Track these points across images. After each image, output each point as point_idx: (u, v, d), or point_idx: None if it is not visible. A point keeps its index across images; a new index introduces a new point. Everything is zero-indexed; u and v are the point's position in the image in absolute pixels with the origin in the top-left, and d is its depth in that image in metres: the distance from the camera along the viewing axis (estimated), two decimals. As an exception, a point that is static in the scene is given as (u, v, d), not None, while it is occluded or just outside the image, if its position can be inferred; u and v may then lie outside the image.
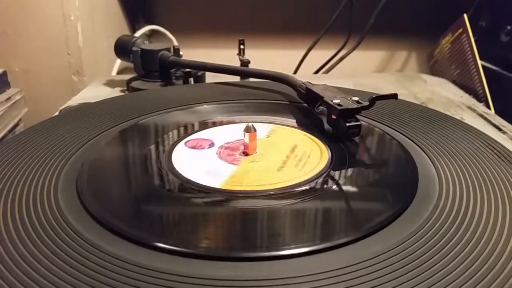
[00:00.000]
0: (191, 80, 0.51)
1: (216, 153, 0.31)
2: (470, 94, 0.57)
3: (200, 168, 0.29)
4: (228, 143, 0.33)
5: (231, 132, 0.35)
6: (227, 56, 0.58)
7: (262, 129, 0.34)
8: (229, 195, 0.26)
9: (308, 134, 0.34)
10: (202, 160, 0.30)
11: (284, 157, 0.30)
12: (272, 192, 0.26)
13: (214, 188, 0.26)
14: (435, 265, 0.19)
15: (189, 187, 0.27)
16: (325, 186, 0.27)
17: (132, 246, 0.21)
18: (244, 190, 0.26)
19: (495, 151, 0.30)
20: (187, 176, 0.28)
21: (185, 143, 0.33)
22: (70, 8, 0.59)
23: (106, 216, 0.23)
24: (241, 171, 0.29)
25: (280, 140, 0.33)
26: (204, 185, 0.27)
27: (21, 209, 0.24)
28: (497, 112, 0.53)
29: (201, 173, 0.28)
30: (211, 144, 0.32)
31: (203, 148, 0.32)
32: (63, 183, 0.27)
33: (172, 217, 0.25)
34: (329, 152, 0.31)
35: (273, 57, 0.74)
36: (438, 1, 0.80)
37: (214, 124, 0.36)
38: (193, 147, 0.32)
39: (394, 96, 0.33)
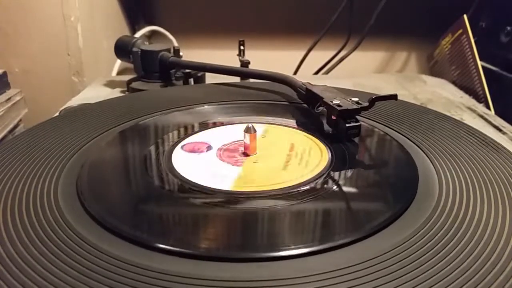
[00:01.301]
0: (191, 81, 0.51)
1: (217, 156, 0.31)
2: (470, 94, 0.58)
3: (204, 171, 0.29)
4: (225, 144, 0.33)
5: (227, 133, 0.35)
6: (227, 57, 0.58)
7: (257, 129, 0.34)
8: (233, 197, 0.26)
9: (303, 132, 0.34)
10: (204, 163, 0.30)
11: (285, 156, 0.30)
12: (272, 193, 0.26)
13: (225, 190, 0.26)
14: (436, 265, 0.19)
15: (188, 188, 0.27)
16: (325, 186, 0.27)
17: (133, 247, 0.21)
18: (253, 191, 0.26)
19: (489, 144, 0.30)
20: (193, 180, 0.27)
21: (182, 147, 0.32)
22: (70, 8, 0.59)
23: (106, 217, 0.23)
24: (248, 172, 0.29)
25: (277, 140, 0.33)
26: (215, 188, 0.26)
27: (21, 209, 0.24)
28: (497, 112, 0.53)
29: (207, 176, 0.28)
30: (209, 147, 0.32)
31: (201, 152, 0.32)
32: (63, 184, 0.27)
33: (172, 218, 0.25)
34: (329, 152, 0.31)
35: (273, 58, 0.74)
36: (438, 1, 0.80)
37: (210, 126, 0.36)
38: (191, 151, 0.32)
39: (394, 96, 0.33)
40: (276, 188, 0.26)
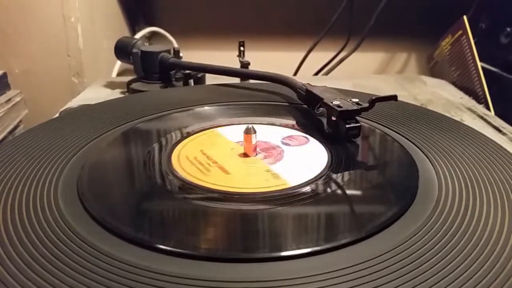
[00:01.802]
0: (191, 82, 0.51)
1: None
2: (470, 95, 0.58)
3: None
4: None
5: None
6: (227, 57, 0.58)
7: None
8: (233, 197, 0.26)
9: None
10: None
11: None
12: (273, 194, 0.26)
13: (226, 191, 0.26)
14: (436, 264, 0.19)
15: (188, 188, 0.27)
16: (325, 187, 0.27)
17: (133, 248, 0.21)
18: (254, 191, 0.26)
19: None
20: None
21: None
22: (70, 9, 0.59)
23: (106, 217, 0.23)
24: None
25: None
26: (216, 189, 0.27)
27: (21, 210, 0.24)
28: (497, 113, 0.53)
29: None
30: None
31: None
32: (64, 185, 0.27)
33: (173, 218, 0.25)
34: (329, 153, 0.31)
35: (273, 59, 0.74)
36: (438, 2, 0.81)
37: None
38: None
39: (394, 97, 0.33)
40: (276, 189, 0.26)
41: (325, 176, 0.28)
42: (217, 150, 0.32)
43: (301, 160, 0.31)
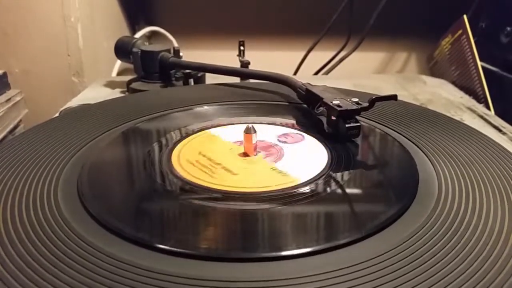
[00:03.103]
0: (191, 81, 0.51)
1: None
2: (470, 95, 0.58)
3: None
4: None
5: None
6: (227, 57, 0.58)
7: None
8: (233, 197, 0.26)
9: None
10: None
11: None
12: (273, 193, 0.26)
13: (225, 190, 0.26)
14: (436, 264, 0.19)
15: (188, 188, 0.27)
16: (325, 187, 0.27)
17: (133, 247, 0.21)
18: (253, 192, 0.26)
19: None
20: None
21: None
22: (70, 9, 0.59)
23: (106, 217, 0.23)
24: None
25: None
26: (216, 188, 0.27)
27: (21, 210, 0.24)
28: (497, 113, 0.53)
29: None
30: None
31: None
32: (64, 185, 0.27)
33: (172, 218, 0.25)
34: (329, 153, 0.31)
35: (273, 58, 0.74)
36: (438, 2, 0.81)
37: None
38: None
39: (393, 97, 0.33)
40: (276, 188, 0.27)
41: (325, 176, 0.28)
42: (216, 151, 0.32)
43: (303, 157, 0.31)
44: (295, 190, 0.26)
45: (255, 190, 0.26)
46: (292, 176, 0.28)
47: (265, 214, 0.24)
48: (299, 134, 0.34)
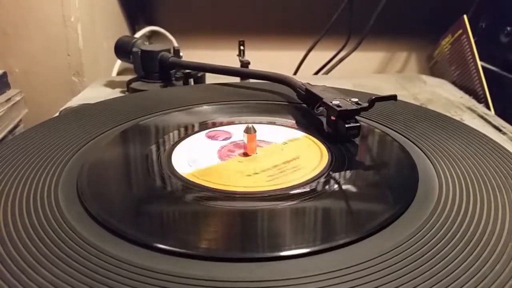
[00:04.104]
0: (191, 81, 0.51)
1: (220, 146, 0.32)
2: (470, 95, 0.58)
3: (189, 156, 0.30)
4: (241, 140, 0.33)
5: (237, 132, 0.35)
6: (227, 57, 0.58)
7: (282, 134, 0.35)
8: (233, 197, 0.26)
9: (323, 148, 0.32)
10: (199, 150, 0.31)
11: (272, 166, 0.30)
12: (272, 193, 0.26)
13: (225, 190, 0.26)
14: (436, 265, 0.19)
15: (188, 188, 0.27)
16: (325, 187, 0.27)
17: (132, 247, 0.21)
18: (254, 191, 0.26)
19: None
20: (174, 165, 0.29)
21: (206, 133, 0.35)
22: (70, 9, 0.59)
23: (106, 217, 0.23)
24: (220, 167, 0.29)
25: (290, 149, 0.32)
26: (212, 187, 0.27)
27: (21, 210, 0.24)
28: (497, 113, 0.53)
29: (185, 160, 0.30)
30: (227, 138, 0.34)
31: (216, 139, 0.34)
32: (64, 184, 0.27)
33: (172, 218, 0.25)
34: (329, 153, 0.31)
35: (273, 58, 0.74)
36: (438, 2, 0.81)
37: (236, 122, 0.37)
38: (211, 137, 0.34)
39: (393, 97, 0.33)
40: (276, 188, 0.26)
41: (325, 176, 0.28)
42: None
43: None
44: (295, 190, 0.26)
45: (255, 190, 0.26)
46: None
47: (265, 214, 0.24)
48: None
